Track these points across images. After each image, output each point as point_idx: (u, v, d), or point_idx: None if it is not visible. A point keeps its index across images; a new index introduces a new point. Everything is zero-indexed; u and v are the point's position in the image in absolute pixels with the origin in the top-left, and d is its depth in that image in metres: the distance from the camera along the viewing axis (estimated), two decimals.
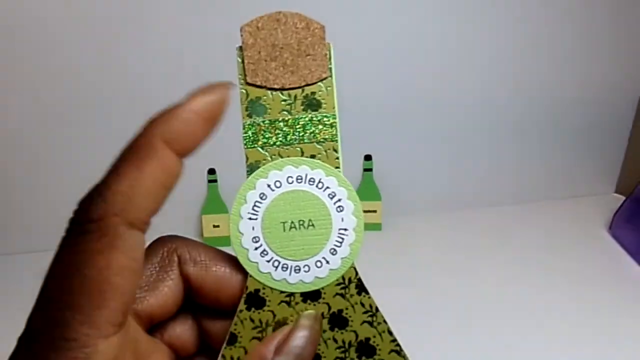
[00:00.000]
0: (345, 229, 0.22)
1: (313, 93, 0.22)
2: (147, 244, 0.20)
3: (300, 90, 0.22)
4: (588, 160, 0.98)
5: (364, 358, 0.22)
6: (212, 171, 0.84)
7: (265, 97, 0.22)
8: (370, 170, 0.88)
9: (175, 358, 0.22)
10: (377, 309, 0.22)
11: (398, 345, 0.22)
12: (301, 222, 0.22)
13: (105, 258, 0.17)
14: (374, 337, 0.22)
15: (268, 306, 0.22)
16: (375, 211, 0.88)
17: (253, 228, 0.22)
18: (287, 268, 0.22)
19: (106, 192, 0.17)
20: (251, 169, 0.22)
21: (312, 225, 0.22)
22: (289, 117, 0.22)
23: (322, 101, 0.22)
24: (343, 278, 0.22)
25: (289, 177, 0.22)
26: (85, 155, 0.83)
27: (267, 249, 0.22)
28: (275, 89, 0.22)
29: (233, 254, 0.22)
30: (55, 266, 0.18)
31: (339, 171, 0.22)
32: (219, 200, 0.85)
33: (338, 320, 0.22)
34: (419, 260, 0.80)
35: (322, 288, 0.22)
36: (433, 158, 0.93)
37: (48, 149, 0.83)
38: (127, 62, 0.79)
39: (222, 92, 0.19)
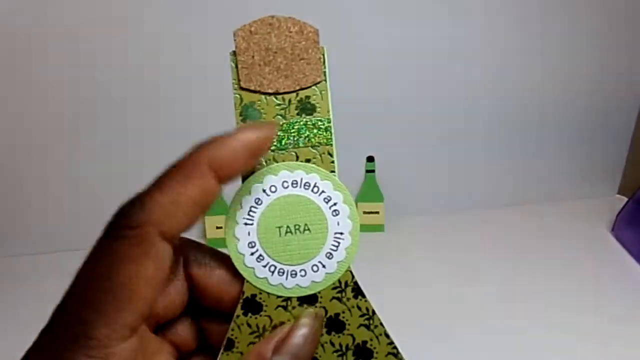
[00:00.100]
0: (341, 233, 0.22)
1: (307, 97, 0.22)
2: None
3: (294, 94, 0.22)
4: (590, 162, 0.98)
5: None
6: None
7: (259, 102, 0.22)
8: (373, 171, 0.88)
9: (178, 355, 0.23)
10: (373, 312, 0.22)
11: (395, 348, 0.22)
12: (297, 227, 0.22)
13: (136, 265, 0.18)
14: (371, 340, 0.22)
15: (265, 311, 0.22)
16: (377, 212, 0.88)
17: (249, 233, 0.22)
18: (283, 273, 0.22)
19: (147, 201, 0.18)
20: (246, 174, 0.22)
21: (308, 229, 0.22)
22: (284, 121, 0.22)
23: (317, 105, 0.22)
24: (339, 282, 0.22)
25: (284, 181, 0.22)
26: (94, 158, 0.84)
27: (263, 254, 0.22)
28: (270, 94, 0.22)
29: None
30: (88, 266, 0.18)
31: (335, 175, 0.22)
32: (221, 202, 0.85)
33: (335, 324, 0.22)
34: (421, 262, 0.80)
35: (319, 292, 0.22)
36: (436, 159, 0.93)
37: (58, 153, 0.83)
38: (127, 66, 0.79)
39: (269, 129, 0.20)
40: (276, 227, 0.22)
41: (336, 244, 0.22)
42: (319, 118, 0.22)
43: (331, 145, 0.22)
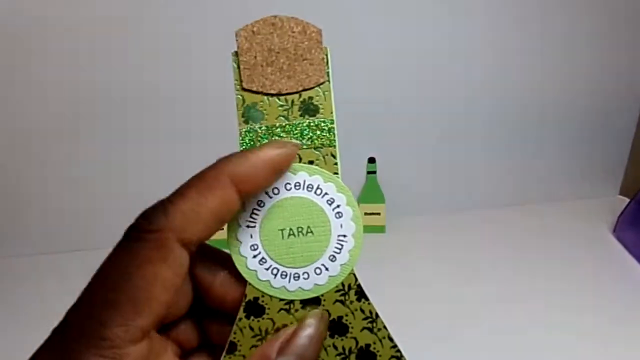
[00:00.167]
0: (345, 235, 0.22)
1: (310, 98, 0.22)
2: None
3: (297, 95, 0.22)
4: (591, 162, 0.98)
5: None
6: None
7: (261, 103, 0.22)
8: (374, 172, 0.88)
9: (181, 353, 0.22)
10: (377, 315, 0.22)
11: (399, 351, 0.22)
12: (300, 229, 0.22)
13: (154, 268, 0.18)
14: (374, 343, 0.22)
15: (267, 314, 0.22)
16: (379, 213, 0.88)
17: (251, 236, 0.22)
18: (286, 275, 0.22)
19: (169, 207, 0.19)
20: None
21: (311, 232, 0.22)
22: (286, 122, 0.22)
23: (320, 106, 0.22)
24: (343, 284, 0.22)
25: (287, 183, 0.22)
26: (95, 158, 0.84)
27: (265, 256, 0.22)
28: (272, 95, 0.22)
29: None
30: (106, 266, 0.19)
31: (338, 177, 0.22)
32: None
33: (338, 327, 0.22)
34: (422, 263, 0.80)
35: (322, 295, 0.22)
36: (437, 160, 0.92)
37: (58, 154, 0.83)
38: (127, 66, 0.79)
39: (292, 148, 0.21)
40: (279, 230, 0.22)
41: (339, 246, 0.22)
42: (322, 119, 0.22)
43: (334, 146, 0.22)
